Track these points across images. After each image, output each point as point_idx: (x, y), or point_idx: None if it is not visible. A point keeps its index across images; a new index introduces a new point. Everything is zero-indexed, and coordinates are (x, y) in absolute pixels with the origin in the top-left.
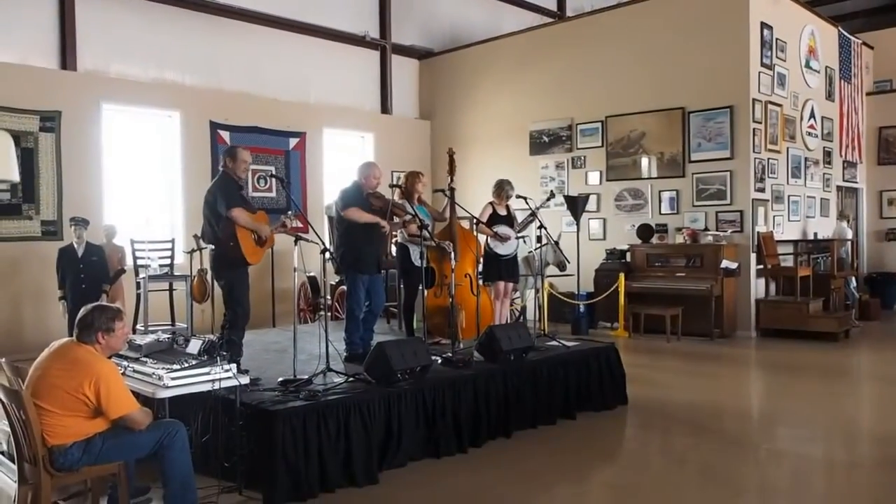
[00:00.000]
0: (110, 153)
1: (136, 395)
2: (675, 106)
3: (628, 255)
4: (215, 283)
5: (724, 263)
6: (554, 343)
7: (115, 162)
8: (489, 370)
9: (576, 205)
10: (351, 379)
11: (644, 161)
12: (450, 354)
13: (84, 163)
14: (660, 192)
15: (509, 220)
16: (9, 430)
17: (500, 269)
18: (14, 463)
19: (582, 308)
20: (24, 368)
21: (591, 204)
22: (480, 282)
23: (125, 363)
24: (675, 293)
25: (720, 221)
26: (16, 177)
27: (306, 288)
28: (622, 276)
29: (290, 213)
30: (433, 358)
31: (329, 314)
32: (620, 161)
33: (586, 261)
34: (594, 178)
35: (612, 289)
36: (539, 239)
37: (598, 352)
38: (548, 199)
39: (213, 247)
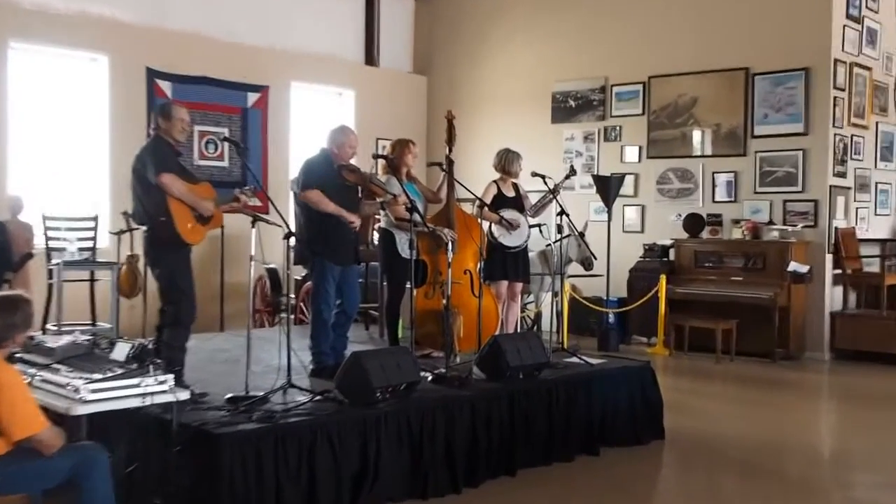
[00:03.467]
0: (17, 106)
1: (46, 410)
2: (737, 66)
3: (672, 252)
4: (149, 274)
5: (792, 266)
6: (575, 360)
7: (23, 117)
8: (492, 391)
9: (607, 187)
10: (318, 397)
11: (695, 134)
12: (443, 370)
13: None
14: (714, 173)
15: (518, 202)
16: None
17: (506, 264)
18: None
19: (611, 317)
20: None
21: (627, 187)
22: (483, 280)
23: (32, 371)
24: (730, 302)
25: (788, 213)
26: None
27: (264, 283)
28: (663, 278)
29: (246, 188)
30: (422, 374)
31: (293, 317)
32: (665, 134)
33: (619, 258)
34: (632, 153)
35: (650, 294)
36: (559, 229)
37: (630, 372)
38: (567, 177)
39: (145, 228)
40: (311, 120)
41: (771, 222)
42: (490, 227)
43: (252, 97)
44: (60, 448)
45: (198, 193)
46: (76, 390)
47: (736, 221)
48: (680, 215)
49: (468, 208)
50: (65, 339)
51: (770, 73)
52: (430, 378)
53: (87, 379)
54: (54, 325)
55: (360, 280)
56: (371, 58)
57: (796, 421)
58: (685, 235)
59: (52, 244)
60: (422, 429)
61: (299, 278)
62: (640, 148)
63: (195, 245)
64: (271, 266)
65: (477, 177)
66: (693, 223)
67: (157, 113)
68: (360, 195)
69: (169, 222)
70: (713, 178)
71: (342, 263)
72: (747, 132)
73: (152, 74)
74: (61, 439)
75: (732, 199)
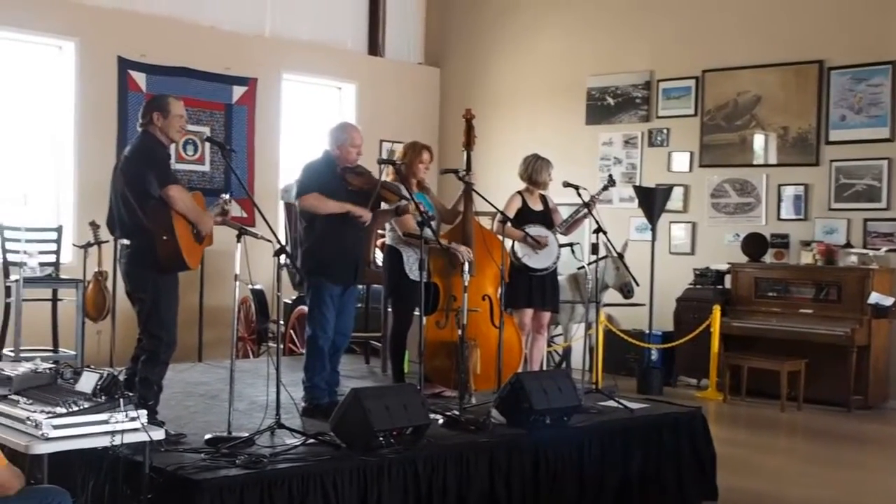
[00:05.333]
0: None
1: (1, 447)
2: (809, 59)
3: (728, 279)
4: (117, 294)
5: (874, 298)
6: (611, 404)
7: None
8: (513, 438)
9: (652, 200)
10: (311, 440)
11: (758, 139)
12: (456, 412)
13: None
14: (780, 186)
15: (547, 217)
16: None
17: (531, 290)
18: None
19: (655, 354)
20: None
21: (676, 200)
22: (504, 307)
23: None
24: (797, 339)
25: (870, 234)
26: None
27: (249, 307)
28: (717, 309)
29: (225, 195)
30: (432, 416)
31: (282, 346)
32: (722, 138)
33: (664, 285)
34: (681, 161)
35: (701, 328)
36: (594, 249)
37: (678, 420)
38: (604, 188)
39: (128, 242)
40: (306, 118)
41: (848, 245)
42: (513, 245)
43: (237, 91)
44: (18, 491)
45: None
46: (37, 425)
47: (806, 243)
48: (738, 235)
49: (487, 223)
50: (24, 367)
51: (849, 67)
52: (441, 421)
53: (49, 413)
54: (11, 351)
55: (360, 305)
56: (375, 47)
57: (877, 484)
58: (744, 259)
59: (10, 258)
60: (431, 480)
61: (289, 301)
62: (692, 155)
63: (193, 269)
64: (257, 287)
65: (496, 186)
66: (754, 245)
67: (152, 107)
68: (373, 203)
69: (172, 241)
70: (779, 192)
71: (342, 282)
72: (820, 137)
73: (125, 64)
74: (20, 481)
75: (802, 216)
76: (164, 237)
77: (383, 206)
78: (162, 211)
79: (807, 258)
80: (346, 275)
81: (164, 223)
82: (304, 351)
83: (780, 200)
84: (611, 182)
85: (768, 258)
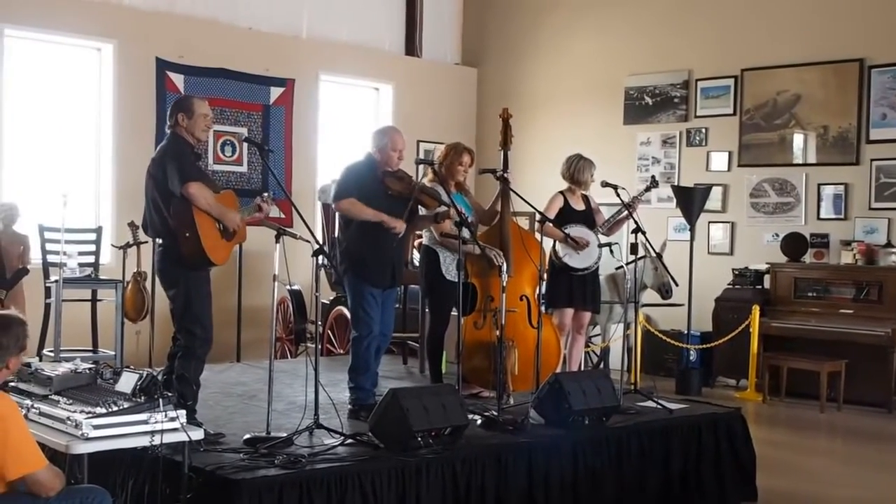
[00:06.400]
0: (11, 101)
1: (42, 447)
2: (849, 57)
3: (767, 279)
4: (156, 295)
5: None
6: (650, 404)
7: (17, 114)
8: (552, 438)
9: (690, 200)
10: (350, 441)
11: (797, 139)
12: (495, 412)
13: None
14: (819, 185)
15: (589, 217)
16: None
17: (572, 289)
18: None
19: (693, 355)
20: None
21: (714, 200)
22: (543, 308)
23: (28, 402)
24: (837, 339)
25: None
26: None
27: (287, 307)
28: (756, 309)
29: (266, 194)
30: (470, 416)
31: (320, 346)
32: (761, 137)
33: (703, 284)
34: (720, 161)
35: (740, 328)
36: (633, 249)
37: (717, 421)
38: (647, 189)
39: (160, 241)
40: (343, 118)
41: (889, 244)
42: (554, 244)
43: (275, 92)
44: (59, 491)
45: (223, 204)
46: (77, 425)
47: (846, 243)
48: (777, 235)
49: (523, 223)
50: (63, 367)
51: (890, 65)
52: (479, 422)
53: (89, 413)
54: (51, 351)
55: (398, 306)
56: (412, 47)
57: None
58: (783, 259)
59: (50, 258)
60: (469, 481)
61: (327, 302)
62: (730, 154)
63: (220, 265)
64: (296, 288)
65: (533, 185)
66: (793, 244)
67: (177, 108)
68: (412, 208)
69: (194, 238)
70: (818, 191)
71: (380, 285)
72: (861, 136)
73: (163, 66)
74: (61, 481)
75: (842, 216)
76: (187, 234)
77: (422, 211)
78: (184, 209)
79: (847, 258)
80: (383, 278)
81: (186, 221)
82: (341, 351)
83: (819, 200)
84: (653, 183)
85: (808, 258)
